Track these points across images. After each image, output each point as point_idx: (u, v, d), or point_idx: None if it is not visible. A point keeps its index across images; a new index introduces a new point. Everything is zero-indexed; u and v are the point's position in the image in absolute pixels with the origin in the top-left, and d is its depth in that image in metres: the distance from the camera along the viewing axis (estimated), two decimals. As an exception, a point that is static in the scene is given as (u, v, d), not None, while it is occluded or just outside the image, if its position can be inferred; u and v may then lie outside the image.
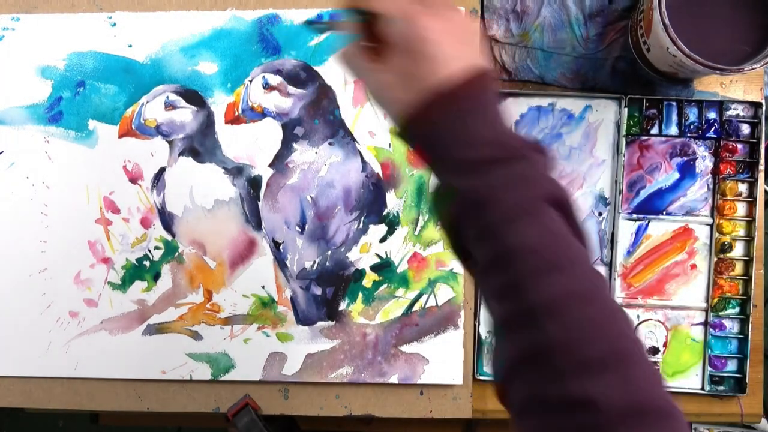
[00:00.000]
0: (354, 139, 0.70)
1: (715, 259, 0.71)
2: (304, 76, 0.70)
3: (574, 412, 0.34)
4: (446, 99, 0.38)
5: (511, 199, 0.38)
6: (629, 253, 0.72)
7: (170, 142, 0.71)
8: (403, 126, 0.40)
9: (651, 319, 0.71)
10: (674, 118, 0.71)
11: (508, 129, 0.40)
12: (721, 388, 0.71)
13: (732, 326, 0.71)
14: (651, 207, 0.71)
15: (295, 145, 0.70)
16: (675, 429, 0.34)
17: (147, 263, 0.72)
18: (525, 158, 0.39)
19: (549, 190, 0.39)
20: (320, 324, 0.71)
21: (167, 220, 0.71)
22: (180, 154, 0.71)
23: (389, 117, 0.42)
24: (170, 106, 0.70)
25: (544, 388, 0.36)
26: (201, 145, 0.71)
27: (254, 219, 0.71)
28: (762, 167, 0.70)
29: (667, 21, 0.59)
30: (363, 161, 0.70)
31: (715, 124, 0.71)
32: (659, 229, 0.71)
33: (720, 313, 0.71)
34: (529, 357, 0.37)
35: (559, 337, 0.35)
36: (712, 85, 0.72)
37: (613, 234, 0.71)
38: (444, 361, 0.70)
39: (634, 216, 0.71)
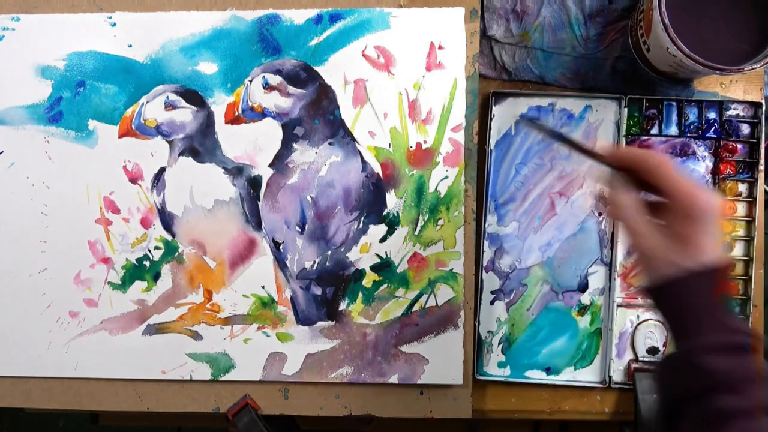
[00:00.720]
0: (354, 139, 0.70)
1: (715, 259, 0.71)
2: (304, 76, 0.70)
3: None
4: (712, 274, 0.42)
5: (746, 396, 0.39)
6: (629, 253, 0.72)
7: (170, 142, 0.71)
8: (659, 286, 0.43)
9: (651, 319, 0.71)
10: (674, 118, 0.71)
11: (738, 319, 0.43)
12: (721, 388, 0.71)
13: (732, 326, 0.71)
14: (651, 207, 0.71)
15: (295, 145, 0.70)
16: None
17: (147, 263, 0.72)
18: (757, 354, 0.41)
19: None
20: (320, 324, 0.71)
21: (167, 220, 0.71)
22: (180, 154, 0.71)
23: (644, 270, 0.45)
24: (170, 106, 0.70)
25: None
26: (201, 145, 0.71)
27: (254, 219, 0.71)
28: (762, 167, 0.70)
29: (667, 21, 0.59)
30: (363, 161, 0.70)
31: (715, 124, 0.71)
32: (659, 229, 0.71)
33: (720, 313, 0.71)
34: None
35: None
36: (712, 85, 0.72)
37: (613, 234, 0.71)
38: (444, 361, 0.70)
39: (634, 216, 0.71)
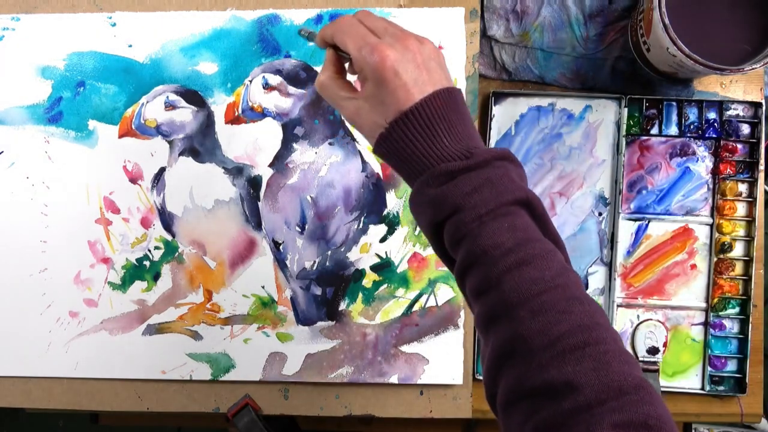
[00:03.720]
0: (354, 139, 0.70)
1: (715, 259, 0.71)
2: (304, 76, 0.70)
3: (559, 397, 0.36)
4: (408, 119, 0.43)
5: (480, 202, 0.41)
6: (629, 253, 0.72)
7: (170, 142, 0.71)
8: (375, 145, 0.45)
9: (651, 319, 0.71)
10: (674, 118, 0.71)
11: (473, 141, 0.44)
12: (721, 388, 0.71)
13: (732, 326, 0.71)
14: (651, 207, 0.71)
15: (295, 145, 0.70)
16: (652, 402, 0.36)
17: (147, 263, 0.72)
18: (491, 165, 0.42)
19: (516, 193, 0.42)
20: (320, 324, 0.71)
21: (167, 220, 0.71)
22: (180, 154, 0.71)
23: (365, 138, 0.47)
24: (170, 106, 0.70)
25: (528, 376, 0.38)
26: (201, 145, 0.71)
27: (254, 219, 0.71)
28: (762, 167, 0.70)
29: (667, 21, 0.59)
30: (363, 161, 0.70)
31: (715, 124, 0.71)
32: (659, 229, 0.71)
33: (720, 313, 0.71)
34: (510, 347, 0.39)
35: (531, 325, 0.38)
36: (712, 85, 0.72)
37: (613, 234, 0.71)
38: (444, 361, 0.70)
39: (634, 216, 0.71)
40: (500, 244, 0.40)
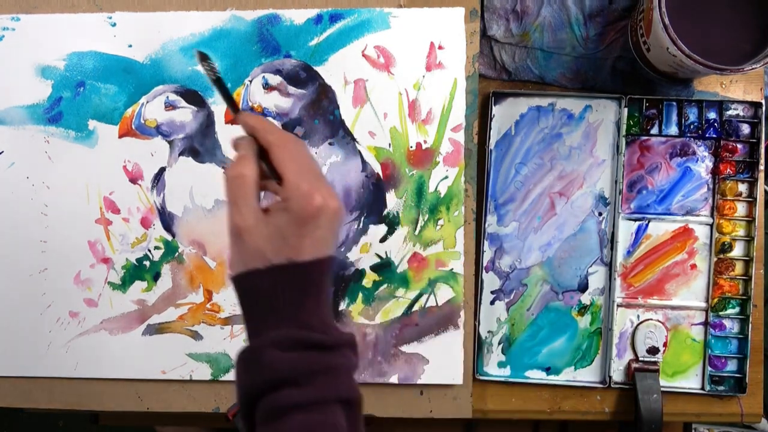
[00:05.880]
0: (354, 139, 0.70)
1: (715, 259, 0.71)
2: (304, 76, 0.70)
3: None
4: (296, 276, 0.40)
5: (309, 389, 0.39)
6: (629, 253, 0.72)
7: (170, 142, 0.71)
8: (244, 276, 0.41)
9: (651, 319, 0.71)
10: (674, 118, 0.71)
11: (330, 318, 0.42)
12: (721, 388, 0.71)
13: (732, 326, 0.71)
14: (651, 207, 0.71)
15: (295, 145, 0.70)
16: None
17: (147, 263, 0.72)
18: (338, 351, 0.41)
19: (345, 391, 0.42)
20: (320, 324, 0.71)
21: (167, 220, 0.71)
22: (180, 154, 0.71)
23: (232, 252, 0.42)
24: (170, 106, 0.70)
25: None
26: (201, 145, 0.71)
27: (254, 219, 0.71)
28: (762, 167, 0.70)
29: (667, 21, 0.59)
30: (363, 161, 0.70)
31: (715, 124, 0.71)
32: (659, 229, 0.71)
33: (720, 313, 0.71)
34: None
35: None
36: (712, 85, 0.72)
37: (613, 234, 0.71)
38: (444, 361, 0.70)
39: (634, 216, 0.71)
40: None
